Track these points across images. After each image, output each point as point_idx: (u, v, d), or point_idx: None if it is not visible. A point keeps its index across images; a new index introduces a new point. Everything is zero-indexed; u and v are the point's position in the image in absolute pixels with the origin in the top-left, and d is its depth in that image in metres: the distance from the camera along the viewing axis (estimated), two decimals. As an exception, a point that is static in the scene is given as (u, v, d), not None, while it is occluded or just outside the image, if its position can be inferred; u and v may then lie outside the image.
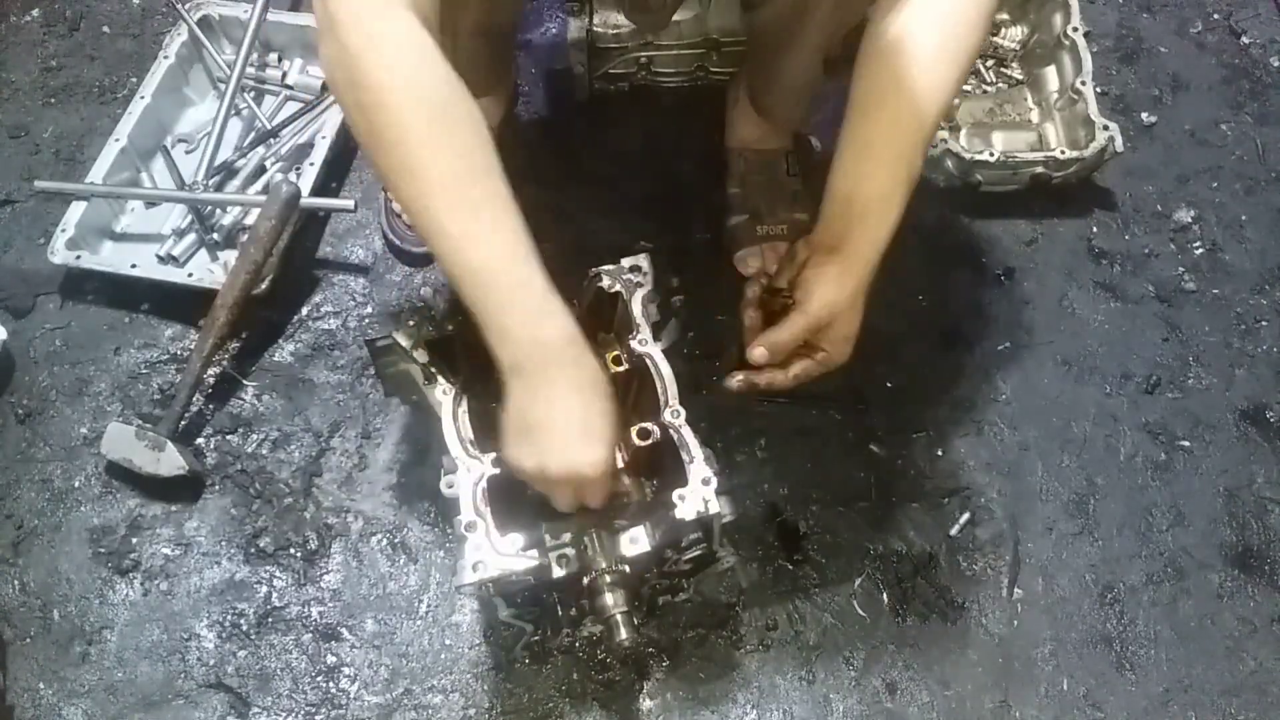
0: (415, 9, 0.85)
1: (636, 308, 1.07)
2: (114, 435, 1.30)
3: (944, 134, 1.52)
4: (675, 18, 1.48)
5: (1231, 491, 1.37)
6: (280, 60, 1.62)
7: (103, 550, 1.29)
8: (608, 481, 0.93)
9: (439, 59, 0.87)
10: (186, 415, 1.35)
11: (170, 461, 1.28)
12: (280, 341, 1.44)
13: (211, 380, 1.40)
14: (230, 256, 1.43)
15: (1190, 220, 1.58)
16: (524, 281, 0.88)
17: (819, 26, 1.15)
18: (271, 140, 1.55)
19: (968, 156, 1.50)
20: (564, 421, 0.90)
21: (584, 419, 0.90)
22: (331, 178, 1.56)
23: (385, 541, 1.30)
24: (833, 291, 1.01)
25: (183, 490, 1.32)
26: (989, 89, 1.68)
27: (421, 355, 1.06)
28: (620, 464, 1.04)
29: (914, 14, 0.97)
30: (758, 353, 1.03)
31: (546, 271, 0.89)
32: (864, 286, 1.02)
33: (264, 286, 1.40)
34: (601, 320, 1.14)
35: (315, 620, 1.25)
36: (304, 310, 1.47)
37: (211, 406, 1.39)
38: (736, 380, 1.06)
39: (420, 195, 0.87)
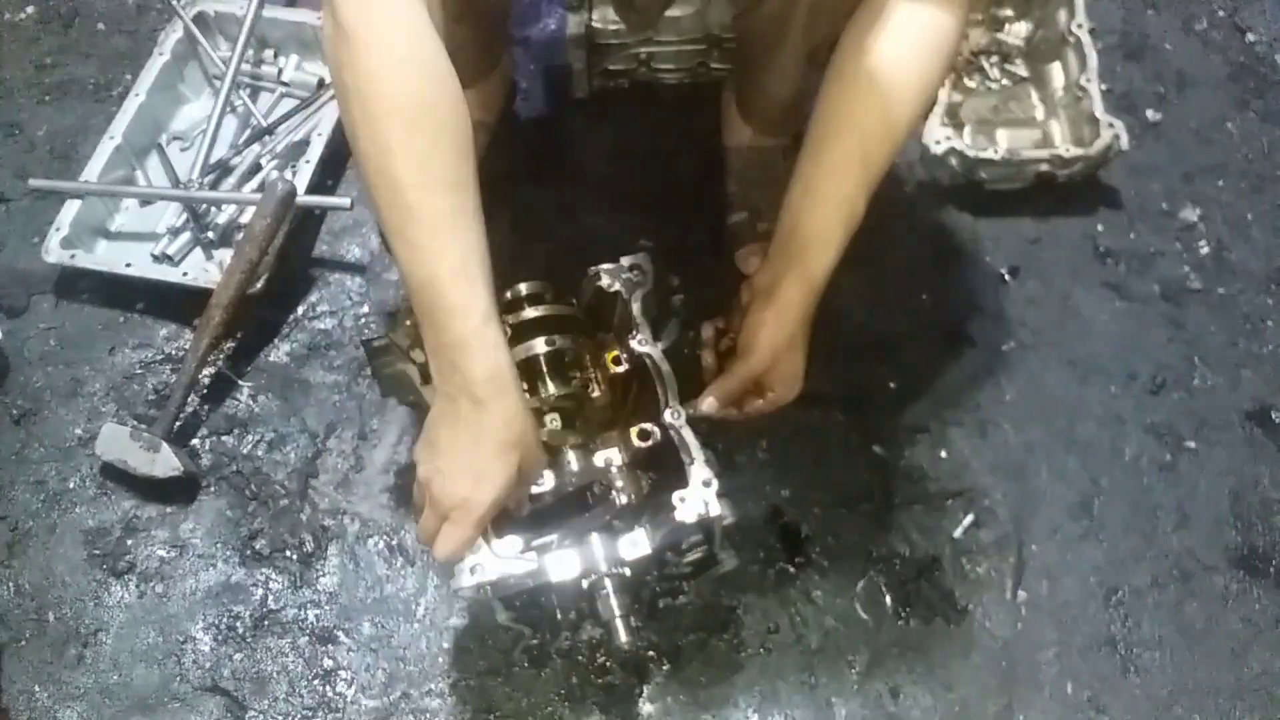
0: None
1: (636, 307, 1.06)
2: (109, 436, 1.29)
3: (948, 131, 1.51)
4: (675, 14, 1.46)
5: (1237, 493, 1.35)
6: (276, 57, 1.61)
7: (98, 552, 1.28)
8: (480, 526, 0.91)
9: (431, 49, 0.85)
10: (181, 416, 1.34)
11: (165, 463, 1.27)
12: (276, 341, 1.43)
13: (207, 380, 1.39)
14: (225, 255, 1.42)
15: (1196, 219, 1.57)
16: (461, 307, 0.86)
17: (796, 36, 1.14)
18: (267, 138, 1.54)
19: (972, 154, 1.48)
20: (461, 457, 0.89)
21: (474, 463, 0.89)
22: (327, 175, 1.55)
23: (382, 544, 1.29)
24: (769, 337, 1.01)
25: (178, 492, 1.31)
26: (993, 86, 1.66)
27: (419, 355, 1.05)
28: (620, 463, 1.03)
29: (876, 49, 0.95)
30: (707, 403, 1.05)
31: (492, 295, 0.88)
32: (802, 327, 1.02)
33: (259, 286, 1.38)
34: (601, 320, 1.13)
35: (311, 623, 1.24)
36: (300, 310, 1.46)
37: (207, 407, 1.38)
38: (694, 407, 1.07)
39: (384, 192, 0.86)
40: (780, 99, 1.32)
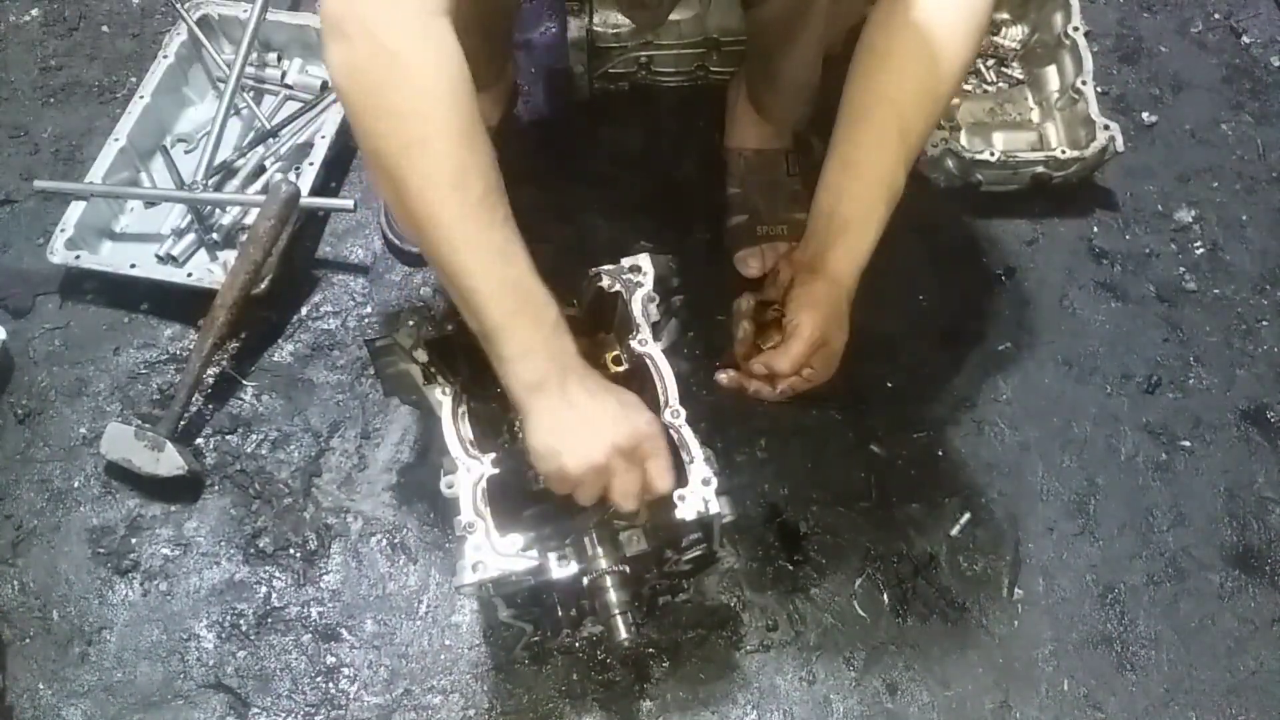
0: (448, 12, 0.83)
1: (636, 308, 1.07)
2: (113, 435, 1.30)
3: (944, 134, 1.52)
4: (675, 17, 1.48)
5: (1232, 491, 1.36)
6: (280, 60, 1.62)
7: (102, 550, 1.29)
8: (666, 445, 0.93)
9: (468, 71, 0.85)
10: (186, 415, 1.35)
11: (169, 462, 1.28)
12: (280, 341, 1.44)
13: (211, 380, 1.40)
14: (229, 256, 1.43)
15: (1191, 220, 1.58)
16: (545, 301, 0.90)
17: (818, 23, 1.15)
18: (271, 140, 1.55)
19: (968, 156, 1.49)
20: (605, 408, 0.91)
21: (620, 401, 0.93)
22: (331, 177, 1.56)
23: (385, 542, 1.30)
24: (822, 314, 1.02)
25: (182, 490, 1.32)
26: (989, 88, 1.67)
27: (421, 355, 1.06)
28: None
29: (908, 20, 0.96)
30: (758, 368, 1.06)
31: None
32: (848, 304, 1.04)
33: (263, 286, 1.39)
34: (602, 320, 1.14)
35: (315, 621, 1.25)
36: (303, 310, 1.47)
37: (211, 406, 1.39)
38: (727, 375, 1.09)
39: (438, 210, 0.84)
40: (797, 87, 1.33)
